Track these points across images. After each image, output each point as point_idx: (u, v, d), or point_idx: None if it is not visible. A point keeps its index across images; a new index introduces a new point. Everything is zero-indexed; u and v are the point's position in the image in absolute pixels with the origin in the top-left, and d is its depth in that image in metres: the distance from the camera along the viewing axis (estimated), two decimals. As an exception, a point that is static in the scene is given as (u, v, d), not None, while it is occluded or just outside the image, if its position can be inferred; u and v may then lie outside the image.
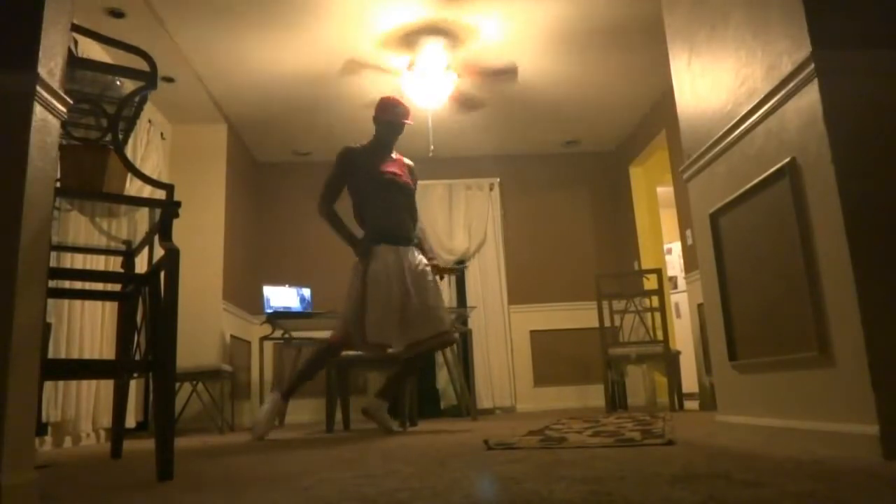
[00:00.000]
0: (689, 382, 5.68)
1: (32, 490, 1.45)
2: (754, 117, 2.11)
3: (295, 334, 5.45)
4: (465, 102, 5.22)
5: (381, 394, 3.68)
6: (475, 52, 4.83)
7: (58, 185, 1.88)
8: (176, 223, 2.09)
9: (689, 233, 5.12)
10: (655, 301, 5.13)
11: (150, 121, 4.96)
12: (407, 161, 3.84)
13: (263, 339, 5.47)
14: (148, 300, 2.16)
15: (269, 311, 5.34)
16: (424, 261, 3.65)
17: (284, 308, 5.45)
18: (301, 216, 6.72)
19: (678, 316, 6.82)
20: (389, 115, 3.71)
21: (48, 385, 3.49)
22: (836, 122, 1.75)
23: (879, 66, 1.79)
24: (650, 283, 5.36)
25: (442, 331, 3.50)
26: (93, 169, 2.13)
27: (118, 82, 2.33)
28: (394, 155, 3.78)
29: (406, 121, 3.73)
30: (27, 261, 1.47)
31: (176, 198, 2.10)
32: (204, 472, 2.02)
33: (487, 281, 6.66)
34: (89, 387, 3.92)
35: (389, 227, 3.58)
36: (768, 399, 2.14)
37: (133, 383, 3.80)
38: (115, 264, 3.50)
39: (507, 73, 4.94)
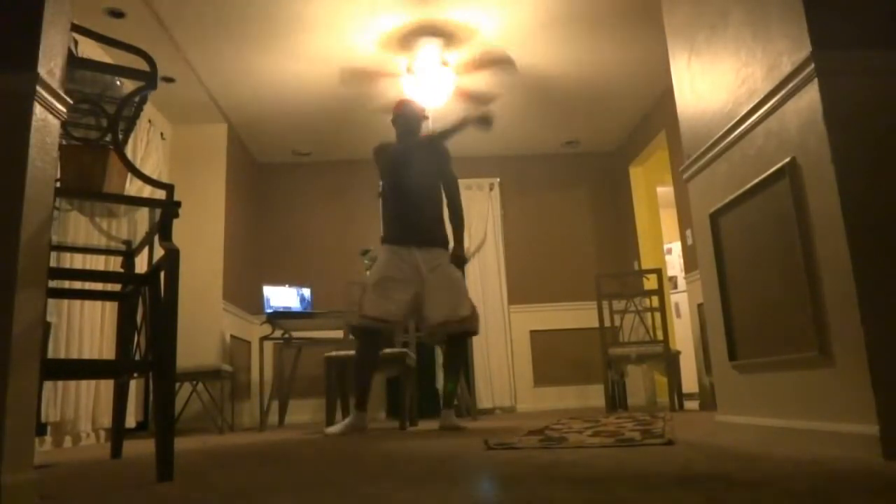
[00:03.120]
0: (689, 382, 5.68)
1: (32, 490, 1.45)
2: (754, 117, 2.11)
3: (295, 334, 5.44)
4: (476, 97, 5.17)
5: (447, 403, 3.76)
6: (473, 50, 4.81)
7: (58, 185, 1.88)
8: (176, 223, 2.09)
9: (689, 233, 5.11)
10: (655, 301, 5.13)
11: (150, 121, 4.96)
12: (430, 139, 3.92)
13: (263, 339, 5.46)
14: (148, 300, 2.16)
15: (269, 311, 5.33)
16: (443, 260, 3.72)
17: (284, 308, 5.44)
18: (301, 216, 6.73)
19: (678, 316, 6.82)
20: (394, 113, 3.99)
21: (48, 385, 3.49)
22: (836, 122, 1.75)
23: (879, 66, 1.79)
24: (650, 283, 5.36)
25: (450, 319, 3.59)
26: (93, 169, 2.12)
27: (118, 82, 2.33)
28: (419, 141, 3.90)
29: (396, 112, 3.97)
30: (27, 261, 1.47)
31: (176, 198, 2.10)
32: (204, 472, 2.02)
33: (487, 281, 6.66)
34: (89, 387, 3.92)
35: (396, 231, 3.74)
36: (768, 399, 2.14)
37: (133, 383, 3.80)
38: (115, 264, 3.50)
39: (504, 64, 4.91)
